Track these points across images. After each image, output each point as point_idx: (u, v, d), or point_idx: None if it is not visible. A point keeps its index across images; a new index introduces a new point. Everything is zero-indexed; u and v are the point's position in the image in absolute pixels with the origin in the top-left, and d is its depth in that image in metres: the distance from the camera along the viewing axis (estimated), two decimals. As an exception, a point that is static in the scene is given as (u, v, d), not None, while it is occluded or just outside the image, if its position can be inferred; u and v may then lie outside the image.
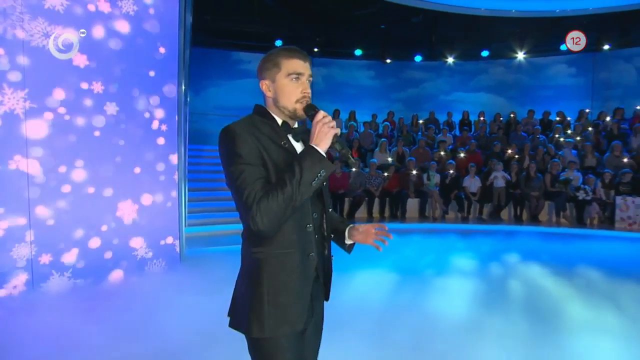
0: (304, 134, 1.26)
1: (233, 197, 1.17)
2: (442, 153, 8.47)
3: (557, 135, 9.03)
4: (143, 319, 3.01)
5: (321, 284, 1.33)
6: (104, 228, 3.91)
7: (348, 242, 1.42)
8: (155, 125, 4.24)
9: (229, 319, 1.30)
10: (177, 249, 4.47)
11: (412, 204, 7.64)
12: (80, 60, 3.78)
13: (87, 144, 3.82)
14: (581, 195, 7.16)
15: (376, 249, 1.33)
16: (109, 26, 3.90)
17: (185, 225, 5.41)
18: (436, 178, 7.71)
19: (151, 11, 4.15)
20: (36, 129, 3.60)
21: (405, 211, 7.50)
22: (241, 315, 1.23)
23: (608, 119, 9.36)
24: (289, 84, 1.21)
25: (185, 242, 4.98)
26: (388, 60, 12.17)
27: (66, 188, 3.72)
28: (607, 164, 7.86)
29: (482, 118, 10.18)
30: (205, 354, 2.50)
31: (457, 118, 10.65)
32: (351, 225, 1.41)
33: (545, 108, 10.33)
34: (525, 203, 7.49)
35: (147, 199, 4.19)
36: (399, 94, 12.33)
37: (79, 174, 3.80)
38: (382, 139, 8.50)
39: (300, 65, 1.22)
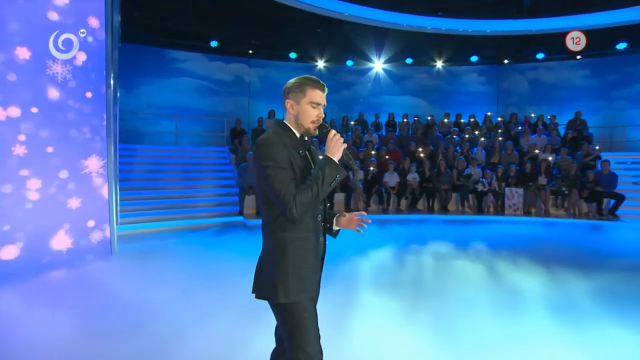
0: (311, 146, 1.65)
1: (265, 190, 1.51)
2: (372, 152, 9.33)
3: (467, 136, 10.37)
4: (74, 312, 3.08)
5: (320, 263, 1.66)
6: (33, 225, 4.01)
7: (335, 228, 1.76)
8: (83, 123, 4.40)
9: (253, 294, 1.59)
10: (109, 247, 4.64)
11: (338, 198, 8.38)
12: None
13: (13, 139, 3.91)
14: (479, 187, 8.41)
15: (357, 232, 1.74)
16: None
17: (117, 224, 5.54)
18: (360, 174, 8.53)
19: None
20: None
21: (332, 205, 8.21)
22: (268, 286, 1.53)
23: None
24: (309, 109, 1.56)
25: (118, 240, 5.11)
26: (322, 64, 12.87)
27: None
28: (502, 161, 9.26)
29: (405, 120, 11.27)
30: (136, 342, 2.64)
31: (384, 119, 11.66)
32: (337, 214, 1.77)
33: (460, 111, 11.72)
34: (436, 195, 8.59)
35: (77, 198, 4.33)
36: (333, 95, 13.05)
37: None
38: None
39: (320, 97, 1.57)
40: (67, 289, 3.73)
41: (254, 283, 1.61)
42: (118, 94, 6.55)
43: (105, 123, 4.61)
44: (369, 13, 10.33)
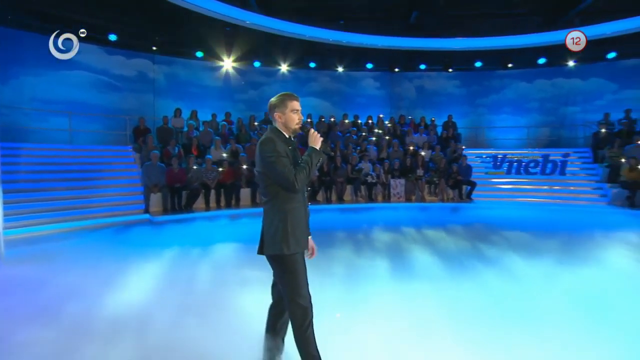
0: (294, 144, 2.22)
1: (270, 175, 2.08)
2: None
3: (363, 134, 11.71)
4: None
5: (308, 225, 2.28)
6: None
7: None
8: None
9: (261, 255, 2.16)
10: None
11: (245, 193, 8.92)
12: None
13: None
14: (369, 179, 9.70)
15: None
16: None
17: (2, 228, 5.29)
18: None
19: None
20: None
21: (239, 199, 8.72)
22: (274, 244, 2.08)
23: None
24: (292, 116, 2.18)
25: (5, 245, 4.89)
26: (230, 64, 13.11)
27: None
28: (390, 156, 10.75)
29: (309, 120, 12.21)
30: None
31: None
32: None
33: (360, 113, 13.06)
34: (333, 187, 9.65)
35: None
36: (241, 95, 13.39)
37: None
38: (217, 137, 9.51)
39: (297, 105, 2.20)
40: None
41: (260, 245, 2.19)
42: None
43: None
44: (272, 23, 11.00)
